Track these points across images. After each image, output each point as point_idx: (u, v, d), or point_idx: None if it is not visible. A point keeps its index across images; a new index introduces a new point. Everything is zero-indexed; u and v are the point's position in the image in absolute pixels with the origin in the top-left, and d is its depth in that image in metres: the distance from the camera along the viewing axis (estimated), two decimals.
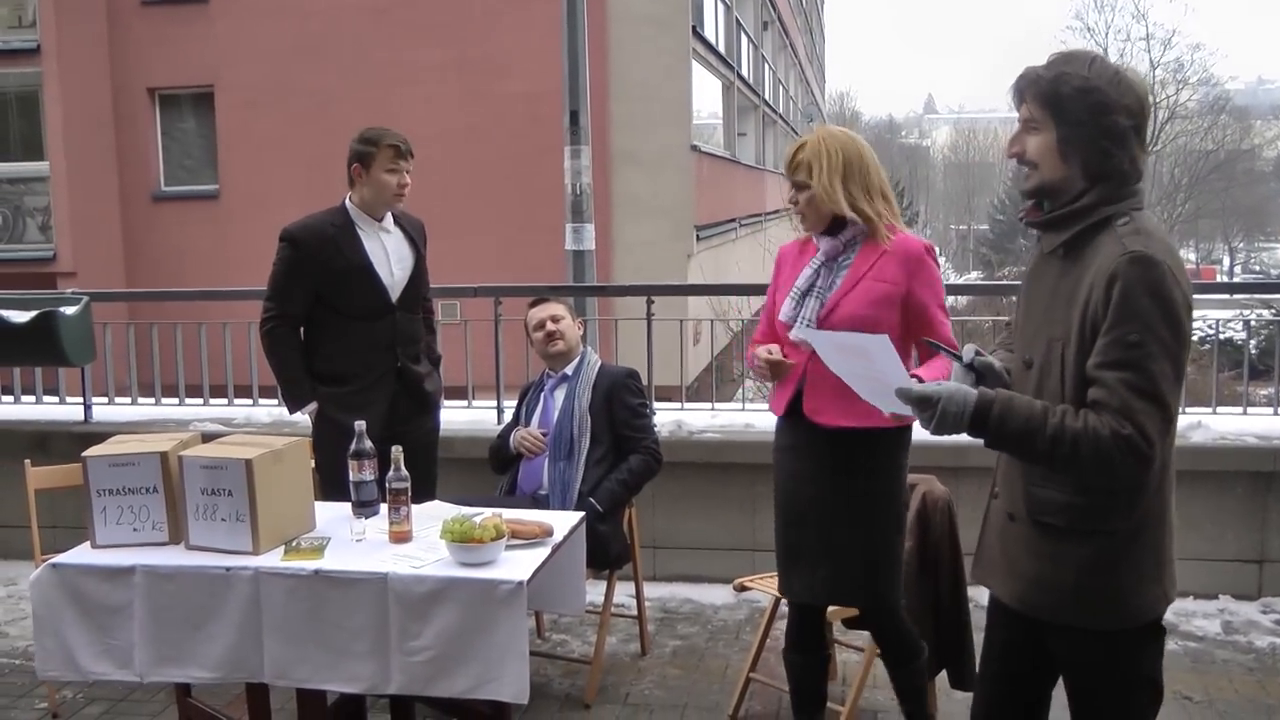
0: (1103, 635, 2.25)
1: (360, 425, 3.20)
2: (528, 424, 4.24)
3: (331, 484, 3.80)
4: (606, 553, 3.96)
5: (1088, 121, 2.15)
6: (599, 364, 4.26)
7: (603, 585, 4.13)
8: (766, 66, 26.14)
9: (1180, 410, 5.47)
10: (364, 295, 4.00)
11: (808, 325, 3.05)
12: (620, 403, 4.14)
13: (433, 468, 4.20)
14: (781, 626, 4.27)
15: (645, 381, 4.59)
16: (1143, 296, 2.07)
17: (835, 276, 3.11)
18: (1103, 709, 2.31)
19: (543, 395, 4.26)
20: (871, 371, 2.41)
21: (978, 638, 2.69)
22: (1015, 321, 2.47)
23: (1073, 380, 2.18)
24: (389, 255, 4.06)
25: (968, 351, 2.33)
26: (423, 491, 3.64)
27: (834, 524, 3.10)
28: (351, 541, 3.10)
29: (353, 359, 4.02)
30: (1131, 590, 2.22)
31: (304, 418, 4.14)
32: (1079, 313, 2.16)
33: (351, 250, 3.98)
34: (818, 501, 3.13)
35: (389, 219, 4.09)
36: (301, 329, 4.07)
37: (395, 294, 4.06)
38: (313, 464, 3.68)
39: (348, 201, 4.05)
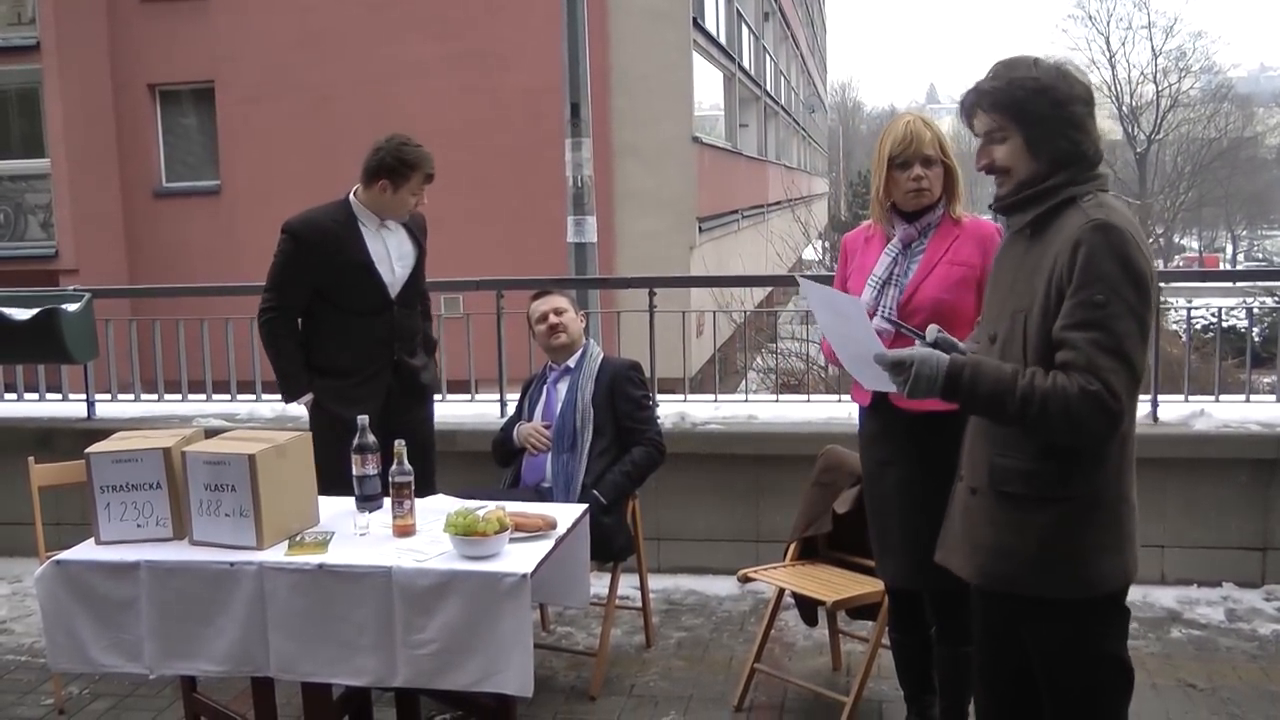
0: (1063, 606, 2.29)
1: (363, 420, 3.20)
2: (530, 417, 4.24)
3: (325, 477, 3.77)
4: (610, 545, 3.96)
5: (1051, 116, 2.28)
6: (601, 356, 4.25)
7: (607, 578, 4.14)
8: (768, 58, 26.09)
9: (1185, 398, 5.45)
10: (364, 292, 4.00)
11: (888, 315, 3.04)
12: (623, 395, 4.14)
13: (430, 459, 4.18)
14: (786, 618, 4.28)
15: (648, 373, 4.58)
16: (1107, 260, 2.16)
17: (911, 263, 3.14)
18: (1070, 688, 2.33)
19: (545, 388, 4.26)
20: (852, 335, 2.45)
21: None
22: (984, 301, 2.54)
23: (1035, 347, 2.25)
24: (390, 253, 4.06)
25: (930, 331, 2.41)
26: (421, 485, 3.63)
27: (913, 508, 3.10)
28: (355, 536, 3.10)
29: (350, 353, 4.03)
30: (1091, 559, 2.27)
31: (303, 409, 4.15)
32: (1044, 281, 2.24)
33: (354, 247, 3.98)
34: (899, 486, 3.16)
35: None
36: (299, 321, 4.07)
37: (395, 291, 4.06)
38: None
39: (352, 197, 4.04)
